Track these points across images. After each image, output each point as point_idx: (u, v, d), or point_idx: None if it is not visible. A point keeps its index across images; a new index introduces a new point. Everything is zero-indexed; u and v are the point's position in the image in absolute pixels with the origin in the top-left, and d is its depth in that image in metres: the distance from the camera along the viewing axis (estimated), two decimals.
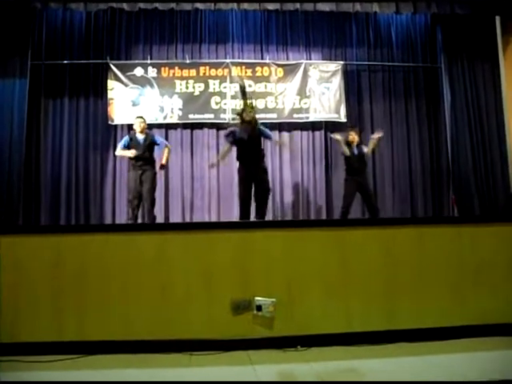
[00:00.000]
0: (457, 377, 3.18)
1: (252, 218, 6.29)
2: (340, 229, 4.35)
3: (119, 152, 6.89)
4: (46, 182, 8.05)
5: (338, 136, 7.29)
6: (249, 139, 6.19)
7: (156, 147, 6.84)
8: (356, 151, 7.12)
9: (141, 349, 3.81)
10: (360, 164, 7.15)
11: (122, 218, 7.95)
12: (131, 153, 6.63)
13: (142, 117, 6.97)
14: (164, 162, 6.99)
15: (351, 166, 7.13)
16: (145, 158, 6.66)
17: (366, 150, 7.19)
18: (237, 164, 6.56)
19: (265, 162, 6.59)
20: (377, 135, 7.30)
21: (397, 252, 4.21)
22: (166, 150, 7.03)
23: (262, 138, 6.49)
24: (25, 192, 7.72)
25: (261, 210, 6.24)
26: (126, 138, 6.85)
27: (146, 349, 3.81)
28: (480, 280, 4.23)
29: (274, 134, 8.07)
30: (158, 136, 7.19)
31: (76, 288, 3.97)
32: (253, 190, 6.22)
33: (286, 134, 8.68)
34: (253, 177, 6.21)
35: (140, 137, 6.75)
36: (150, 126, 7.59)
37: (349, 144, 7.15)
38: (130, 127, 7.69)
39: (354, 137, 7.17)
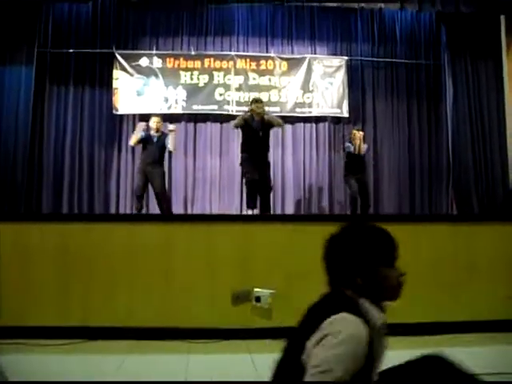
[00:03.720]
0: None
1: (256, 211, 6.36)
2: (339, 224, 4.43)
3: (134, 142, 6.86)
4: (49, 170, 8.09)
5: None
6: (259, 132, 6.24)
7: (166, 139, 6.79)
8: (357, 150, 7.28)
9: (142, 335, 3.90)
10: (360, 163, 7.39)
11: (126, 208, 8.05)
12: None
13: (159, 116, 7.00)
14: (171, 148, 6.88)
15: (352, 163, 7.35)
16: (154, 160, 6.72)
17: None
18: (238, 155, 6.60)
19: (268, 157, 6.65)
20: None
21: None
22: (173, 135, 6.86)
23: (271, 133, 6.55)
24: (28, 179, 7.78)
25: (265, 205, 6.34)
26: (141, 134, 6.72)
27: (147, 336, 3.90)
28: (474, 278, 4.30)
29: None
30: (168, 139, 6.87)
31: (81, 275, 4.07)
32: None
33: (288, 126, 8.66)
34: (258, 169, 6.26)
35: (154, 136, 6.74)
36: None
37: (351, 142, 7.36)
38: (134, 117, 7.80)
39: (355, 135, 7.36)
